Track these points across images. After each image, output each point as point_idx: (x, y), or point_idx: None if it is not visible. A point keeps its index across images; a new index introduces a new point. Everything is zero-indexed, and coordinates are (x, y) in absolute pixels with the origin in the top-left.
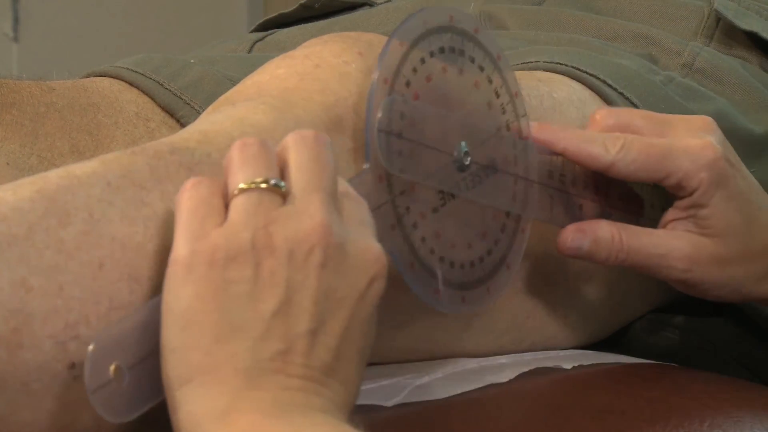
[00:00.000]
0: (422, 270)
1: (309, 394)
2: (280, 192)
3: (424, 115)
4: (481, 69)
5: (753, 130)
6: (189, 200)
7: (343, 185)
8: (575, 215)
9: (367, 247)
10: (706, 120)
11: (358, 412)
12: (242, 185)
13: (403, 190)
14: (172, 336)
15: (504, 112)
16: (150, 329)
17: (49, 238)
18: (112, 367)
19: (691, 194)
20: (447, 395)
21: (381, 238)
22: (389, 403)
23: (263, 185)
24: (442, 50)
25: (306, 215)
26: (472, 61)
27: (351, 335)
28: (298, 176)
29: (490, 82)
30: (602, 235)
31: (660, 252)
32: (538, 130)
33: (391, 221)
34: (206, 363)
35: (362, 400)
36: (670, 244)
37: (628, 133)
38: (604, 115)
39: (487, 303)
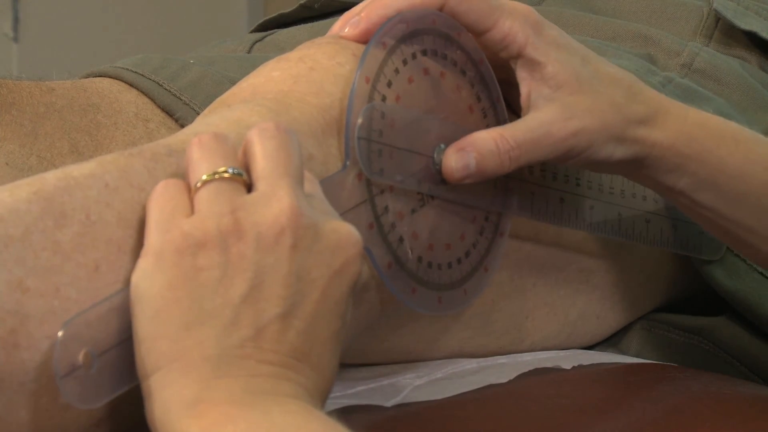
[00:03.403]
0: (399, 269)
1: (279, 380)
2: (242, 180)
3: (403, 119)
4: (464, 73)
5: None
6: (157, 200)
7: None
8: (556, 209)
9: (341, 228)
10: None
11: (357, 412)
12: (204, 177)
13: (382, 189)
14: (142, 325)
15: (485, 116)
16: (121, 317)
17: (46, 239)
18: (81, 354)
19: (521, 52)
20: (447, 395)
21: None
22: (389, 403)
23: (225, 175)
24: (424, 52)
25: (274, 199)
26: (455, 64)
27: (324, 317)
28: (264, 164)
29: (472, 86)
30: (484, 144)
31: (545, 128)
32: None
33: (369, 220)
34: (174, 351)
35: (362, 400)
36: (547, 116)
37: None
38: None
39: (463, 305)
